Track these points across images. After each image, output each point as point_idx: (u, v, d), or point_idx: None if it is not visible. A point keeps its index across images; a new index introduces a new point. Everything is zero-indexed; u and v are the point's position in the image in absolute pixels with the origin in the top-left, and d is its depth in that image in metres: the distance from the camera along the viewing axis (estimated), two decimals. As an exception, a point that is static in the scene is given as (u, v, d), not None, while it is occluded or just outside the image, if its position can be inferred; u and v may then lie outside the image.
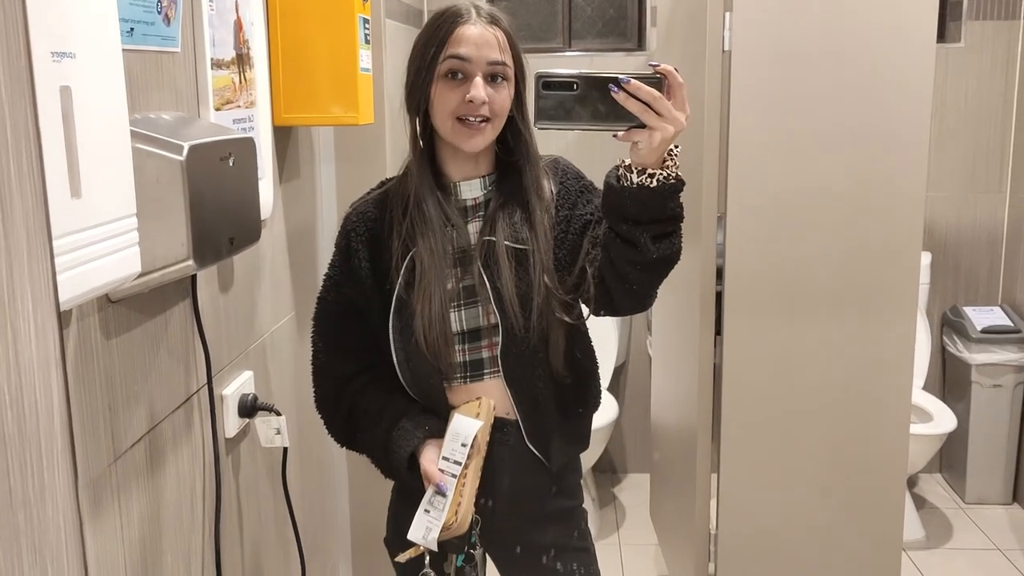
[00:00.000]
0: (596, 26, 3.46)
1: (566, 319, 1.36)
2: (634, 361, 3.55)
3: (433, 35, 1.31)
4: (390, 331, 1.38)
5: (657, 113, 1.13)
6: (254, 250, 1.56)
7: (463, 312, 1.37)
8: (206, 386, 1.35)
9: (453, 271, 1.36)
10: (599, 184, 1.35)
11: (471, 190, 1.39)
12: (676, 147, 1.20)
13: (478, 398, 1.39)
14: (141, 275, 1.02)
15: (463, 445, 1.34)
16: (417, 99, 1.34)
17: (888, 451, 2.33)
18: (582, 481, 1.57)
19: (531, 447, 1.42)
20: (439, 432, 1.38)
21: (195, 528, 1.32)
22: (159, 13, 1.20)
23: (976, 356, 3.25)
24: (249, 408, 1.49)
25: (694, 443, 2.39)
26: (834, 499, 2.34)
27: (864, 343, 2.26)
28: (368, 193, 1.46)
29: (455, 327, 1.37)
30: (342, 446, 1.50)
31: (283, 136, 1.74)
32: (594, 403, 1.50)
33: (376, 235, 1.39)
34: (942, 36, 3.36)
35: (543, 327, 1.35)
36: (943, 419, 3.03)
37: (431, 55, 1.31)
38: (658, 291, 1.34)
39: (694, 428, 2.39)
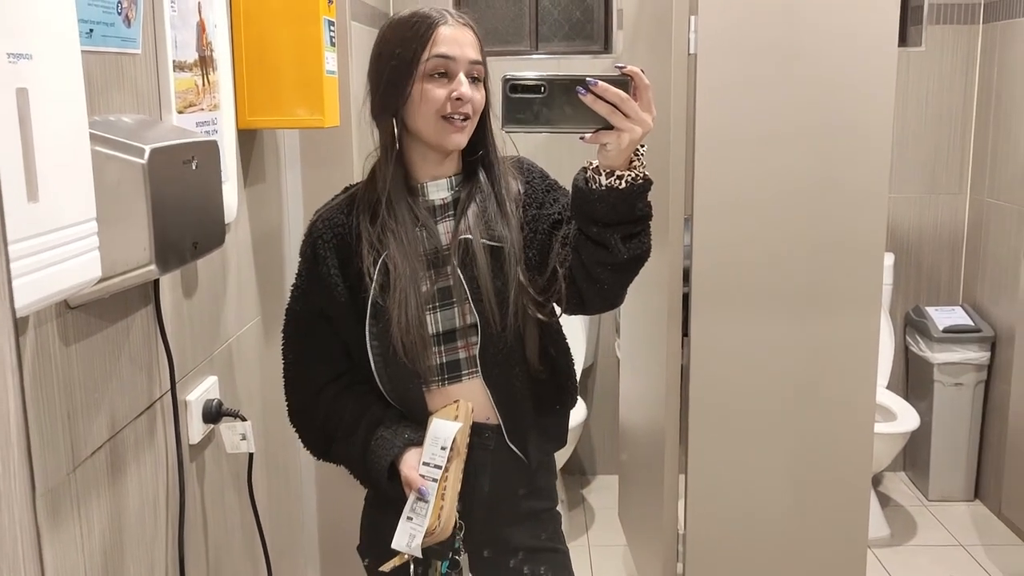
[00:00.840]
0: (563, 29, 3.47)
1: (539, 316, 1.36)
2: (602, 363, 3.56)
3: (411, 36, 1.31)
4: (367, 337, 1.36)
5: (624, 114, 1.15)
6: (219, 254, 1.54)
7: (439, 314, 1.36)
8: (169, 392, 1.33)
9: (427, 273, 1.35)
10: (565, 185, 1.36)
11: (438, 190, 1.39)
12: (642, 147, 1.21)
13: (456, 401, 1.38)
14: (101, 280, 1.01)
15: (442, 448, 1.33)
16: (393, 101, 1.33)
17: (853, 449, 2.35)
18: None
19: (511, 445, 1.42)
20: (418, 440, 1.37)
21: (158, 536, 1.30)
22: (119, 14, 1.18)
23: (938, 355, 3.30)
24: (214, 414, 1.47)
25: (662, 444, 2.40)
26: (800, 498, 2.37)
27: (829, 343, 2.29)
28: (333, 199, 1.44)
29: (431, 329, 1.36)
30: (318, 458, 1.48)
31: (248, 139, 1.72)
32: (571, 400, 1.50)
33: (344, 241, 1.38)
34: (903, 40, 3.41)
35: (519, 324, 1.36)
36: (906, 418, 3.07)
37: (412, 55, 1.30)
38: (627, 290, 1.35)
39: (662, 429, 2.40)
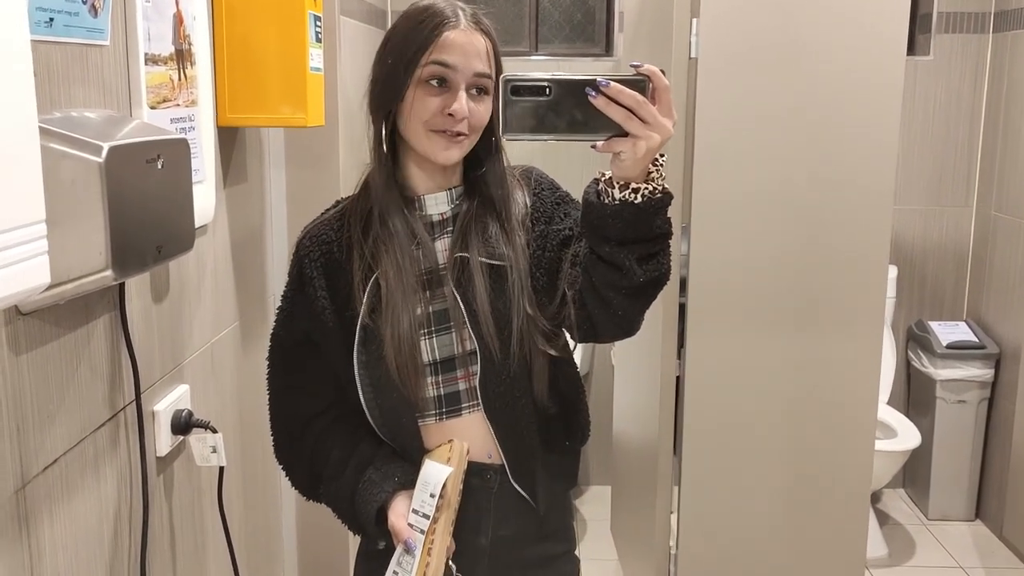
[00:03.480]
0: (564, 30, 3.40)
1: (550, 352, 1.24)
2: (598, 371, 3.50)
3: (414, 33, 1.19)
4: (355, 365, 1.25)
5: (641, 120, 1.01)
6: (193, 257, 1.48)
7: (434, 340, 1.24)
8: (134, 402, 1.27)
9: (422, 295, 1.24)
10: (577, 196, 1.23)
11: (437, 204, 1.27)
12: (662, 156, 1.08)
13: (450, 441, 1.26)
14: (53, 286, 0.94)
15: (432, 496, 1.21)
16: (387, 101, 1.22)
17: (853, 467, 2.29)
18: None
19: (515, 486, 1.29)
20: (410, 482, 1.25)
21: (119, 556, 1.23)
22: (84, 3, 1.12)
23: (941, 371, 3.24)
24: (183, 425, 1.40)
25: (655, 457, 2.33)
26: (797, 516, 2.30)
27: (830, 357, 2.22)
28: (322, 214, 1.33)
29: (426, 357, 1.24)
30: (307, 498, 1.37)
31: (229, 137, 1.66)
32: (581, 436, 1.37)
33: (333, 259, 1.26)
34: (911, 49, 3.35)
35: (524, 353, 1.23)
36: (907, 435, 3.01)
37: (411, 55, 1.19)
38: (645, 316, 1.21)
39: (655, 442, 2.33)
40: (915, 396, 3.46)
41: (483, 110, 1.21)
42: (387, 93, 1.22)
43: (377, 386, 1.26)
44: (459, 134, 1.20)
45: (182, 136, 1.22)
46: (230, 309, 1.69)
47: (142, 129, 1.16)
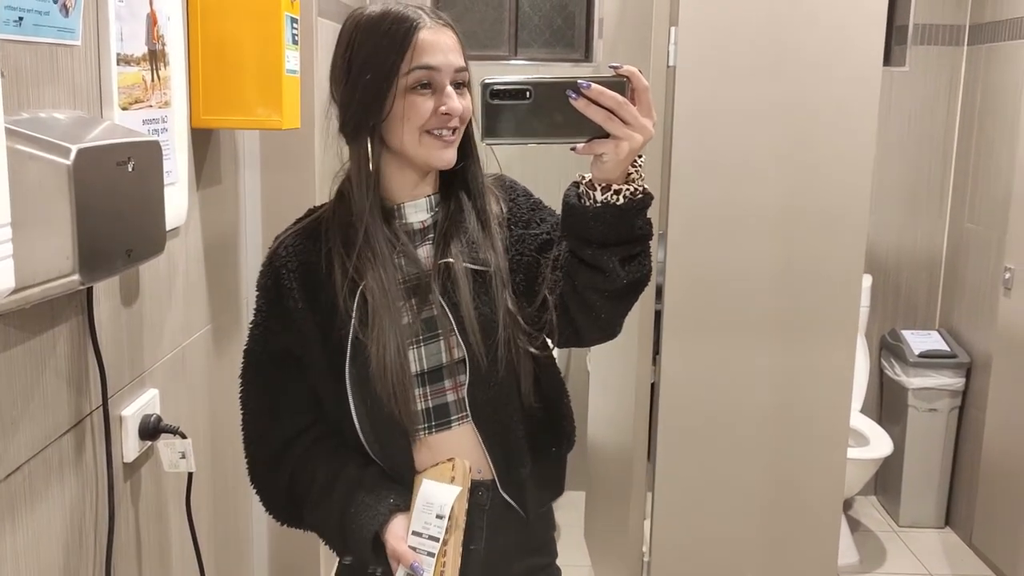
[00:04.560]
0: (543, 35, 3.40)
1: (531, 349, 1.23)
2: (573, 376, 3.50)
3: (385, 43, 1.16)
4: (347, 380, 1.22)
5: (622, 120, 1.02)
6: (164, 259, 1.46)
7: (423, 349, 1.23)
8: (101, 407, 1.25)
9: (408, 303, 1.22)
10: (553, 204, 1.24)
11: (417, 212, 1.26)
12: (640, 158, 1.09)
13: (450, 459, 1.23)
14: (18, 290, 0.92)
15: (439, 517, 1.18)
16: (370, 118, 1.19)
17: (825, 475, 2.30)
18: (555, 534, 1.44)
19: (504, 496, 1.28)
20: (405, 503, 1.22)
21: (83, 563, 1.21)
22: (55, 2, 1.10)
23: (913, 380, 3.26)
24: (152, 430, 1.38)
25: (629, 463, 2.33)
26: (770, 522, 2.31)
27: (804, 365, 2.23)
28: (295, 223, 1.30)
29: (414, 367, 1.22)
30: (283, 524, 1.33)
31: (203, 139, 1.64)
32: (568, 441, 1.36)
33: (312, 270, 1.23)
34: (887, 60, 3.37)
35: (511, 356, 1.22)
36: (879, 443, 3.03)
37: (389, 67, 1.16)
38: (625, 319, 1.22)
39: (630, 448, 2.33)
40: (887, 404, 3.49)
41: (468, 103, 1.21)
42: (369, 111, 1.19)
43: (369, 400, 1.23)
44: (453, 132, 1.20)
45: (154, 138, 1.21)
46: (202, 313, 1.67)
47: (113, 131, 1.14)
